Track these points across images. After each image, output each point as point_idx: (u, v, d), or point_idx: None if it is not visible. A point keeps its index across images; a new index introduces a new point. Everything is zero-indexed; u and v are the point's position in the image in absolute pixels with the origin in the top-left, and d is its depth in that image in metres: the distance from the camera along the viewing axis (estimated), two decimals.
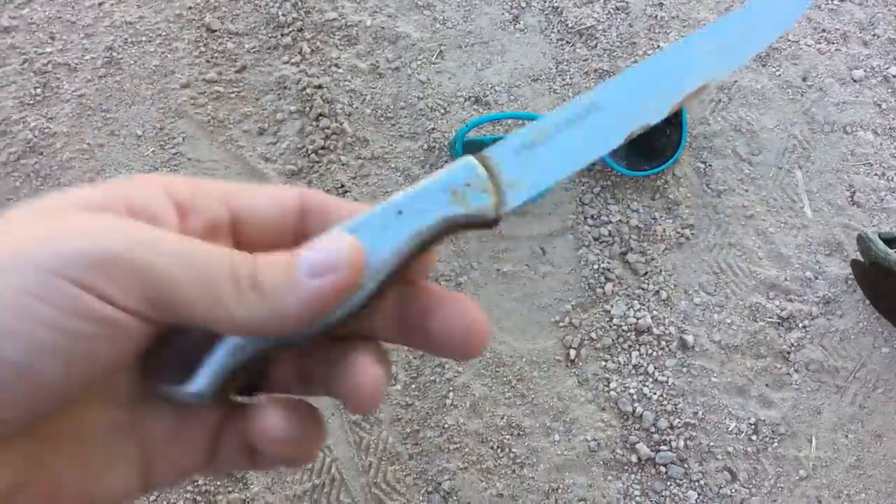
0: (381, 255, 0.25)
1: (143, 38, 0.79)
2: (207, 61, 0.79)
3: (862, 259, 0.67)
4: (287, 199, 0.27)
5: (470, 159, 0.26)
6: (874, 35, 0.79)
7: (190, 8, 0.81)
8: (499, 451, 0.65)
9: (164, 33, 0.80)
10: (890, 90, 0.77)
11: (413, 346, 0.27)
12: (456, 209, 0.26)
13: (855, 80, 0.77)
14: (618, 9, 0.81)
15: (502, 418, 0.66)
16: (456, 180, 0.26)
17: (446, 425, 0.66)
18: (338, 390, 0.25)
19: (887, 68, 0.78)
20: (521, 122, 0.75)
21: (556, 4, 0.81)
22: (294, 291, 0.23)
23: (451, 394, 0.67)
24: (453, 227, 0.26)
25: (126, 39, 0.79)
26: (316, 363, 0.27)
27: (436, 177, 0.26)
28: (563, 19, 0.81)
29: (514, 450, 0.65)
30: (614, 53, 0.79)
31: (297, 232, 0.27)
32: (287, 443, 0.25)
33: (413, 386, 0.67)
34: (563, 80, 0.78)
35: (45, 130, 0.75)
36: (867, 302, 0.69)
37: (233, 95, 0.77)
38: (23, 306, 0.20)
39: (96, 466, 0.25)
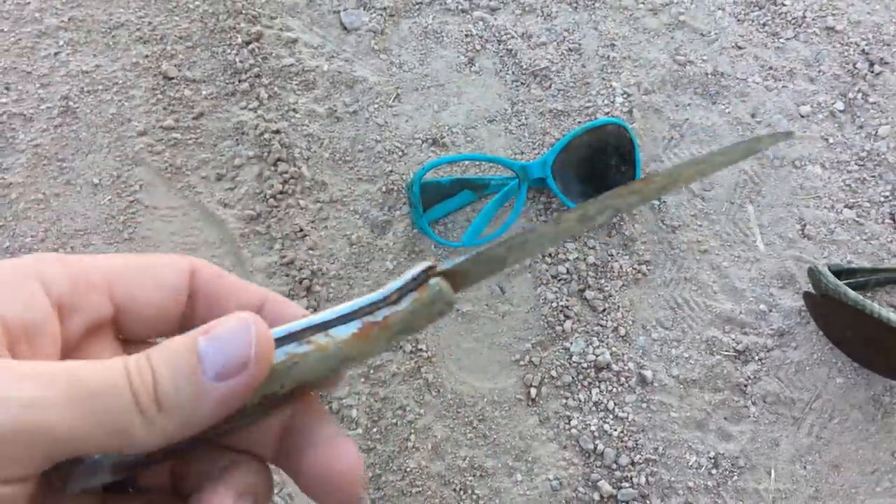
0: (293, 371, 0.23)
1: (100, 87, 0.79)
2: (164, 108, 0.79)
3: (814, 291, 0.69)
4: (173, 280, 0.25)
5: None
6: (820, 71, 0.81)
7: (146, 56, 0.81)
8: (461, 493, 0.65)
9: (120, 81, 0.80)
10: (836, 125, 0.79)
11: (289, 475, 0.25)
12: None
13: (802, 116, 0.79)
14: (571, 50, 0.83)
15: (464, 459, 0.66)
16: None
17: (408, 468, 0.65)
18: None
19: (833, 103, 0.80)
20: (477, 163, 0.76)
21: (510, 47, 0.83)
22: (203, 402, 0.21)
23: (412, 436, 0.67)
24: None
25: (82, 88, 0.79)
26: (191, 467, 0.25)
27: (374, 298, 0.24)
28: (517, 61, 0.82)
29: (476, 491, 0.65)
30: (568, 93, 0.81)
31: (184, 315, 0.25)
32: None
33: (374, 430, 0.67)
34: (519, 120, 0.79)
35: (0, 182, 0.75)
36: (820, 333, 0.70)
37: (190, 142, 0.78)
38: None
39: None
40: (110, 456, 0.22)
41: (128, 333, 0.25)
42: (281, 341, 0.23)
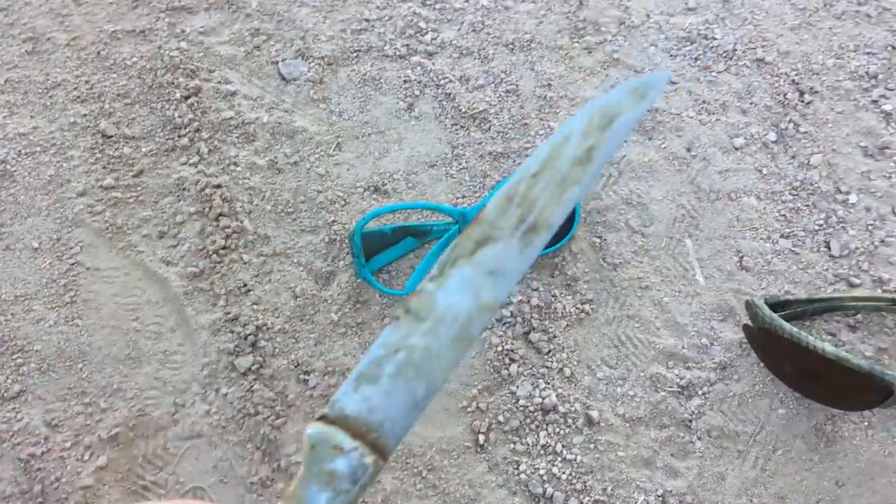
0: None
1: (38, 149, 0.79)
2: (104, 167, 0.79)
3: (752, 324, 0.70)
4: None
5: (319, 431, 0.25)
6: (751, 103, 0.83)
7: (84, 115, 0.81)
8: None
9: (58, 142, 0.80)
10: (769, 155, 0.80)
11: None
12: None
13: (736, 148, 0.81)
14: (508, 91, 0.84)
15: None
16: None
17: None
18: None
19: (766, 135, 0.81)
20: (418, 210, 0.77)
21: (448, 91, 0.83)
22: None
23: None
24: None
25: (20, 151, 0.79)
26: None
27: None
28: (456, 104, 0.83)
29: None
30: (507, 135, 0.82)
31: None
32: None
33: None
34: (460, 164, 0.80)
35: None
36: (761, 365, 0.71)
37: (131, 200, 0.77)
38: None
39: None
40: None
41: None
42: None
